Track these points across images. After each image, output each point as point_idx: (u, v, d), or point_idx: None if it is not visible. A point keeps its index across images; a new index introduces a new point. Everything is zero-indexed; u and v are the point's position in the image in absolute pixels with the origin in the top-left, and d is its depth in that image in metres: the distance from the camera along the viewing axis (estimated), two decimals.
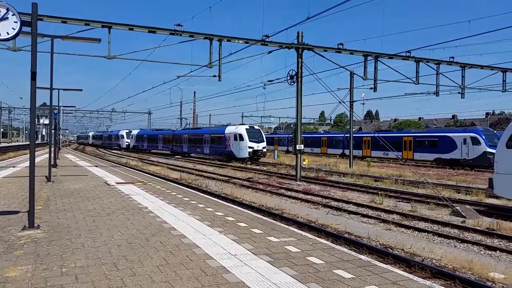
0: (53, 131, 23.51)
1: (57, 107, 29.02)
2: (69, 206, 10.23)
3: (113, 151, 73.99)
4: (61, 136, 73.66)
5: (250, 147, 38.62)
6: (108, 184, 15.41)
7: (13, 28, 7.38)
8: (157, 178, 19.66)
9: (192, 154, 53.13)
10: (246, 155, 38.72)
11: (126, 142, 72.52)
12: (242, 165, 34.97)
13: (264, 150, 39.83)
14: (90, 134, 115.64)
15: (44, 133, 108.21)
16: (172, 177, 24.07)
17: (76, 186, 14.52)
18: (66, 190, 13.49)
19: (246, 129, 40.27)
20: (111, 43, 19.50)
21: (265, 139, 40.50)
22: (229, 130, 42.19)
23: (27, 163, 8.05)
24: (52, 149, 20.41)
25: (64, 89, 24.45)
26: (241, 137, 39.27)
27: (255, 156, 38.94)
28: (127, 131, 74.30)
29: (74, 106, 48.81)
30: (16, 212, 9.13)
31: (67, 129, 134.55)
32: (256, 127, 42.91)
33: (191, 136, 51.55)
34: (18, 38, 10.79)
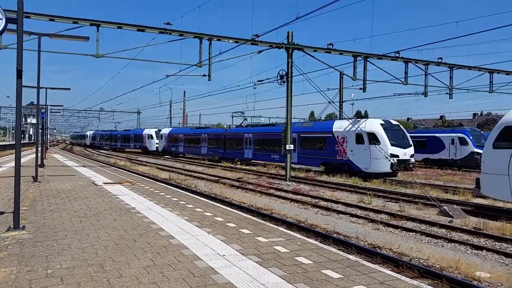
0: (40, 130, 23.21)
1: (44, 106, 28.64)
2: (55, 206, 10.09)
3: (131, 154, 60.07)
4: (48, 136, 72.54)
5: (393, 156, 22.94)
6: (96, 184, 15.26)
7: None
8: (146, 178, 19.52)
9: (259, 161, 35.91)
10: (386, 169, 23.10)
11: (156, 143, 56.77)
12: (232, 165, 34.82)
13: (413, 159, 24.39)
14: (88, 133, 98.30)
15: (31, 132, 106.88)
16: (161, 177, 23.93)
17: (63, 186, 14.35)
18: (53, 190, 13.32)
19: (382, 124, 24.38)
20: (99, 41, 19.29)
21: (411, 142, 24.78)
22: (343, 126, 26.14)
23: (14, 163, 7.93)
24: (39, 148, 20.14)
25: (51, 88, 24.24)
26: (374, 139, 23.70)
27: (401, 169, 23.14)
28: (156, 129, 59.57)
29: (62, 105, 47.92)
30: (1, 213, 8.98)
31: (55, 129, 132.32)
32: (394, 122, 25.92)
33: (260, 135, 35.39)
34: (4, 35, 10.63)
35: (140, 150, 62.67)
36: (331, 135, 26.98)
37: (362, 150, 24.37)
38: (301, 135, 30.02)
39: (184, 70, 23.76)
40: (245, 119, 45.36)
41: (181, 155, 52.38)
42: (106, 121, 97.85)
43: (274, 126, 37.95)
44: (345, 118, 27.87)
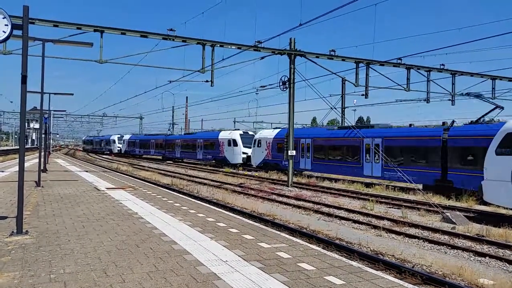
0: (43, 135, 23.29)
1: (47, 112, 28.77)
2: (58, 211, 10.12)
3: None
4: (51, 141, 72.53)
5: None
6: (98, 190, 15.28)
7: (3, 31, 7.33)
8: (148, 184, 19.55)
9: None
10: None
11: (241, 153, 38.16)
12: (234, 171, 34.78)
13: None
14: (116, 137, 77.20)
15: (34, 137, 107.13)
16: (163, 183, 23.95)
17: (66, 191, 14.38)
18: (55, 195, 13.35)
19: None
20: (103, 47, 19.40)
21: None
22: None
23: (17, 168, 8.00)
24: (42, 153, 20.21)
25: (55, 93, 24.34)
26: None
27: None
28: (241, 131, 41.02)
29: (65, 110, 48.08)
30: (4, 218, 9.01)
31: (58, 134, 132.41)
32: None
33: None
34: (9, 41, 10.70)
35: (214, 162, 42.98)
36: None
37: None
38: None
39: (187, 76, 23.88)
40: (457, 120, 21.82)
41: (311, 174, 29.93)
42: (108, 126, 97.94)
43: None
44: None
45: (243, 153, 38.14)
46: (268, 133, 34.85)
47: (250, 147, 36.85)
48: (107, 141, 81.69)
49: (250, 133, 40.98)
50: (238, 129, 43.23)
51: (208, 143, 44.56)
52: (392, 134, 23.45)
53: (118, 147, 75.28)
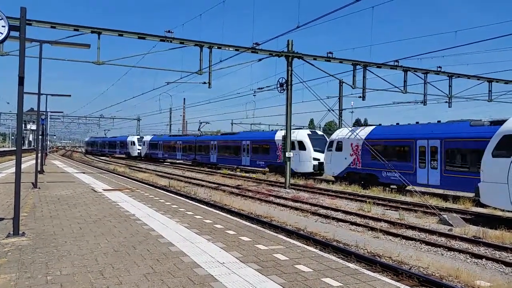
0: (40, 137, 23.23)
1: (44, 113, 28.69)
2: (55, 213, 10.09)
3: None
4: (48, 142, 72.15)
5: None
6: (95, 191, 15.25)
7: (0, 33, 7.32)
8: (145, 185, 19.52)
9: None
10: None
11: (313, 159, 28.69)
12: (232, 173, 34.75)
13: None
14: (135, 139, 66.51)
15: (31, 138, 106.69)
16: (161, 184, 23.92)
17: (63, 193, 14.34)
18: (52, 196, 13.31)
19: None
20: (100, 49, 19.36)
21: None
22: None
23: (13, 169, 8.00)
24: (39, 155, 20.15)
25: (52, 95, 24.32)
26: None
27: None
28: (310, 131, 30.95)
29: (62, 112, 47.54)
30: (1, 219, 8.98)
31: (55, 135, 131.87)
32: None
33: None
34: (6, 42, 10.68)
35: (267, 170, 33.13)
36: None
37: None
38: None
39: (184, 78, 23.80)
40: None
41: None
42: (105, 127, 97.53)
43: None
44: None
45: (314, 159, 28.45)
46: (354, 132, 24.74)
47: (321, 151, 28.06)
48: (123, 142, 70.30)
49: (320, 133, 32.09)
50: (303, 127, 34.07)
51: (258, 145, 34.62)
52: None
53: (138, 149, 64.33)
